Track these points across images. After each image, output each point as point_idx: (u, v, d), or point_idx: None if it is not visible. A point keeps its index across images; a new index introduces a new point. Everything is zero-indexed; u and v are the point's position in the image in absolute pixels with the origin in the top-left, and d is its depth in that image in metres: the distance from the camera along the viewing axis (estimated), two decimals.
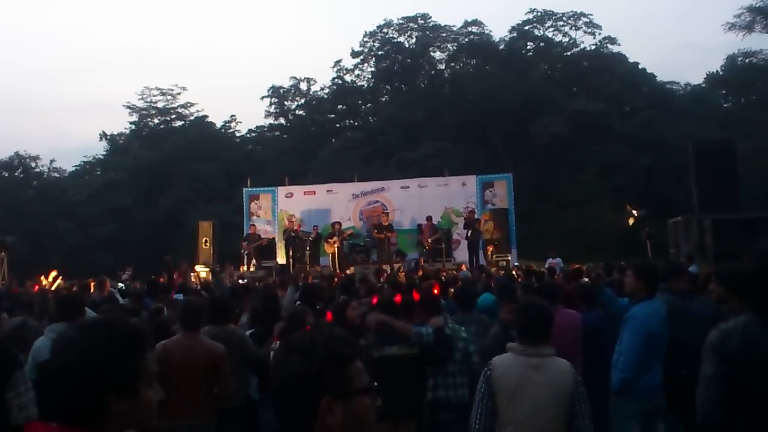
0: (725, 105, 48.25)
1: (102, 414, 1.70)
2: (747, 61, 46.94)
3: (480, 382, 3.97)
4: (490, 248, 20.00)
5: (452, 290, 9.08)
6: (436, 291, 7.23)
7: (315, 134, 49.81)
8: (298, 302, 7.57)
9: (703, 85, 49.87)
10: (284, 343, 1.81)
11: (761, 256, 2.83)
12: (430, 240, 20.38)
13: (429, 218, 21.12)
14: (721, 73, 49.00)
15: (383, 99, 53.96)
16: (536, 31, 51.71)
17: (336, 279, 13.49)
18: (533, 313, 4.03)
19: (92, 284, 12.32)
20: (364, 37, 53.17)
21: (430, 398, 5.87)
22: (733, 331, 2.78)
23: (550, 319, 4.08)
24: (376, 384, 1.80)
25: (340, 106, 53.89)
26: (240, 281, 16.02)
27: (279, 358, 1.77)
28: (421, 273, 14.63)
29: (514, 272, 15.33)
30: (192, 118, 52.80)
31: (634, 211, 19.43)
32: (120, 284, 15.64)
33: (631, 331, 5.17)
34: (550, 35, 51.65)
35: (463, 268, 17.42)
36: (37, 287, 17.84)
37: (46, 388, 1.77)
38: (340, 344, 1.74)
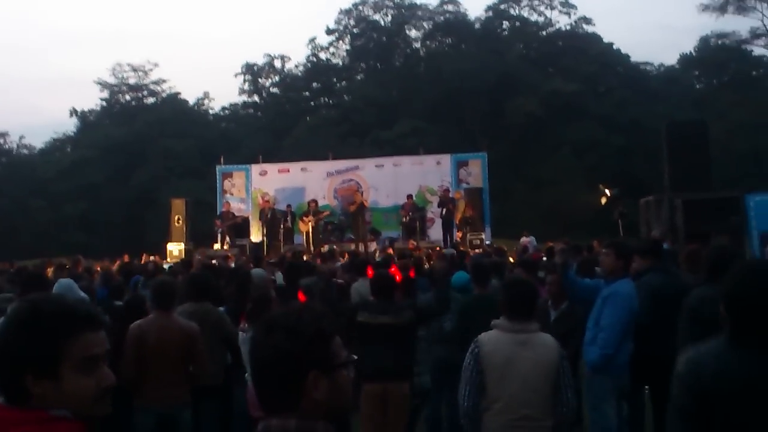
0: (698, 86, 48.75)
1: (24, 395, 1.64)
2: (720, 42, 47.31)
3: (468, 360, 3.99)
4: (460, 231, 20.07)
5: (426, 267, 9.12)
6: (411, 274, 7.26)
7: (289, 112, 49.52)
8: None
9: (677, 66, 50.29)
10: (265, 321, 1.79)
11: (736, 279, 2.70)
12: (409, 216, 20.33)
13: (410, 196, 21.08)
14: (694, 54, 49.38)
15: (358, 77, 53.75)
16: (512, 11, 51.78)
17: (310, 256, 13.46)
18: (519, 289, 4.08)
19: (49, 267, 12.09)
20: (340, 14, 52.94)
21: None
22: (705, 360, 2.57)
23: (535, 295, 4.15)
24: (355, 357, 1.86)
25: (314, 84, 53.57)
26: (213, 261, 15.88)
27: (259, 336, 1.76)
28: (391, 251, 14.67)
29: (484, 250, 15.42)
30: (164, 95, 52.30)
31: (607, 191, 19.53)
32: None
33: (615, 308, 5.17)
34: (525, 15, 51.84)
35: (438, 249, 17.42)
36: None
37: None
38: (325, 321, 1.77)
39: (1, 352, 1.65)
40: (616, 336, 5.09)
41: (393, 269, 7.73)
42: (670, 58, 64.82)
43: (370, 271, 7.09)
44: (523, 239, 20.24)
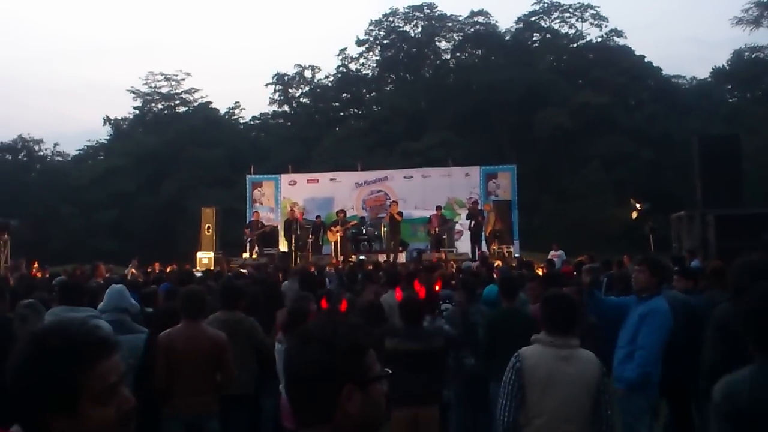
0: (731, 100, 48.08)
1: (45, 430, 1.58)
2: (753, 56, 46.69)
3: (509, 374, 3.92)
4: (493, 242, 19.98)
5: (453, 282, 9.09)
6: (437, 287, 7.18)
7: (319, 122, 49.77)
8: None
9: (709, 80, 49.68)
10: (301, 333, 1.79)
11: (755, 299, 2.70)
12: (437, 230, 20.34)
13: (439, 208, 21.06)
14: (727, 67, 48.76)
15: (388, 88, 53.81)
16: (542, 23, 51.52)
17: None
18: (560, 304, 4.02)
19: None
20: (370, 25, 53.03)
21: None
22: (741, 385, 2.60)
23: (576, 309, 4.08)
24: (389, 371, 1.84)
25: (344, 95, 53.78)
26: (241, 270, 16.02)
27: (295, 347, 1.77)
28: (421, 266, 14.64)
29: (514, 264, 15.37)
30: (196, 104, 52.74)
31: (638, 205, 19.40)
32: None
33: (654, 326, 5.10)
34: (556, 27, 51.48)
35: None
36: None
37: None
38: (360, 333, 1.77)
39: (15, 390, 1.58)
40: (656, 354, 5.04)
41: (416, 284, 7.73)
42: (703, 72, 64.36)
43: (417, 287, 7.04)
44: (552, 252, 20.12)
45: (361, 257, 19.20)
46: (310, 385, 1.71)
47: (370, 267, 14.69)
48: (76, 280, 7.56)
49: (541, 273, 12.27)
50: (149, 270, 17.30)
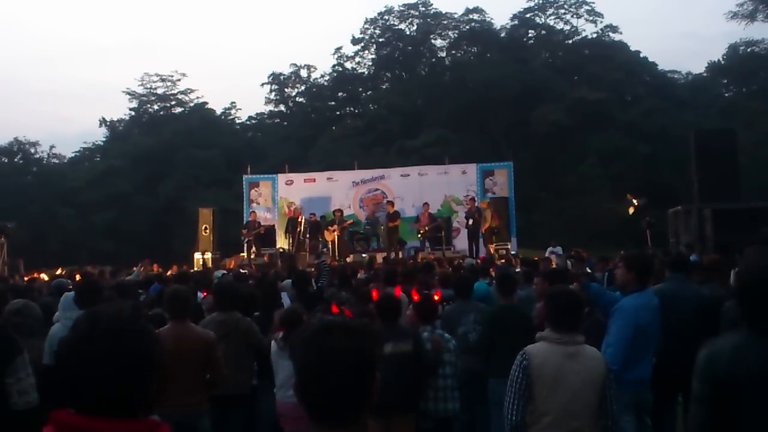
0: (726, 94, 48.14)
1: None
2: (749, 50, 46.78)
3: (515, 372, 3.90)
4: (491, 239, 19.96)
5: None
6: (436, 297, 7.01)
7: (315, 121, 49.76)
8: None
9: (705, 75, 49.80)
10: (333, 326, 1.75)
11: (746, 274, 2.86)
12: (426, 228, 20.32)
13: (426, 205, 21.03)
14: (722, 62, 48.86)
15: (384, 86, 53.84)
16: (537, 19, 51.57)
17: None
18: (566, 300, 4.01)
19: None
20: (365, 23, 53.07)
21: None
22: (721, 352, 2.76)
23: (581, 306, 4.07)
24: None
25: (340, 94, 53.79)
26: (241, 270, 16.00)
27: (339, 341, 1.71)
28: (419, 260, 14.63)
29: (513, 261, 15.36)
30: (192, 104, 52.73)
31: (635, 200, 19.34)
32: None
33: (620, 323, 5.10)
34: (551, 23, 51.56)
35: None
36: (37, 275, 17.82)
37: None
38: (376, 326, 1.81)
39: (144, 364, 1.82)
40: (621, 351, 4.96)
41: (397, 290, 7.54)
42: (698, 67, 64.46)
43: (414, 295, 6.90)
44: (550, 249, 20.13)
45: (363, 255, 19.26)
46: (356, 375, 1.69)
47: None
48: (92, 280, 7.46)
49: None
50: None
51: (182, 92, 53.00)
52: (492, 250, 19.27)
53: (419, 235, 20.58)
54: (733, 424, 2.70)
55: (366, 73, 54.65)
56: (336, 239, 20.17)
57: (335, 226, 20.33)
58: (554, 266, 11.15)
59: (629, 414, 5.12)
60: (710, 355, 2.78)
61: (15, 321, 5.18)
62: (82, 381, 1.76)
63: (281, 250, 21.07)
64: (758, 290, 2.77)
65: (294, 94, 54.62)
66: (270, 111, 55.03)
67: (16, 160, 48.50)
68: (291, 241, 20.78)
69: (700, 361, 2.81)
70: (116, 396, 1.76)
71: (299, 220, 20.93)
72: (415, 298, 6.38)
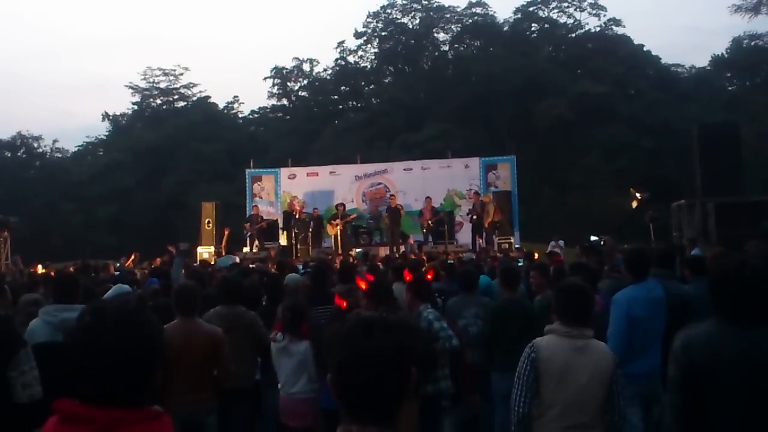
0: (730, 88, 48.00)
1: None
2: (753, 43, 46.59)
3: (523, 364, 3.88)
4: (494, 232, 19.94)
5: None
6: (429, 276, 6.99)
7: (318, 115, 49.69)
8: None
9: (708, 68, 49.59)
10: (370, 322, 1.71)
11: (716, 266, 2.97)
12: (429, 222, 20.33)
13: (428, 199, 21.04)
14: (726, 55, 48.65)
15: (386, 80, 53.77)
16: (541, 13, 51.45)
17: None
18: (576, 294, 3.99)
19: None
20: (368, 17, 52.95)
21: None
22: (697, 339, 2.84)
23: (591, 299, 4.06)
24: None
25: (343, 88, 53.70)
26: (251, 265, 15.94)
27: (379, 337, 1.67)
28: (425, 257, 14.57)
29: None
30: (194, 98, 52.75)
31: (638, 194, 19.31)
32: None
33: (613, 316, 5.18)
34: (554, 17, 51.39)
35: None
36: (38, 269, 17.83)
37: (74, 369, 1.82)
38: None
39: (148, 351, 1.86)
40: (619, 344, 4.98)
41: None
42: (702, 60, 64.30)
43: (407, 275, 6.87)
44: (552, 243, 20.12)
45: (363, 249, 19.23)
46: (396, 371, 1.67)
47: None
48: (70, 274, 7.39)
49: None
50: (152, 265, 17.23)
51: (185, 86, 53.10)
52: (495, 245, 19.28)
53: (423, 230, 20.59)
54: (707, 410, 2.78)
55: (369, 66, 54.55)
56: (339, 233, 20.18)
57: (338, 221, 20.33)
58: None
59: (635, 406, 5.12)
60: (685, 341, 2.86)
61: (31, 311, 5.19)
62: (89, 371, 1.77)
63: (280, 246, 21.07)
64: (726, 281, 2.86)
65: (297, 88, 54.62)
66: (273, 105, 55.17)
67: (19, 154, 48.54)
68: (290, 236, 20.80)
69: (676, 347, 2.89)
70: (122, 386, 1.78)
71: (295, 214, 20.94)
72: (408, 278, 6.35)
